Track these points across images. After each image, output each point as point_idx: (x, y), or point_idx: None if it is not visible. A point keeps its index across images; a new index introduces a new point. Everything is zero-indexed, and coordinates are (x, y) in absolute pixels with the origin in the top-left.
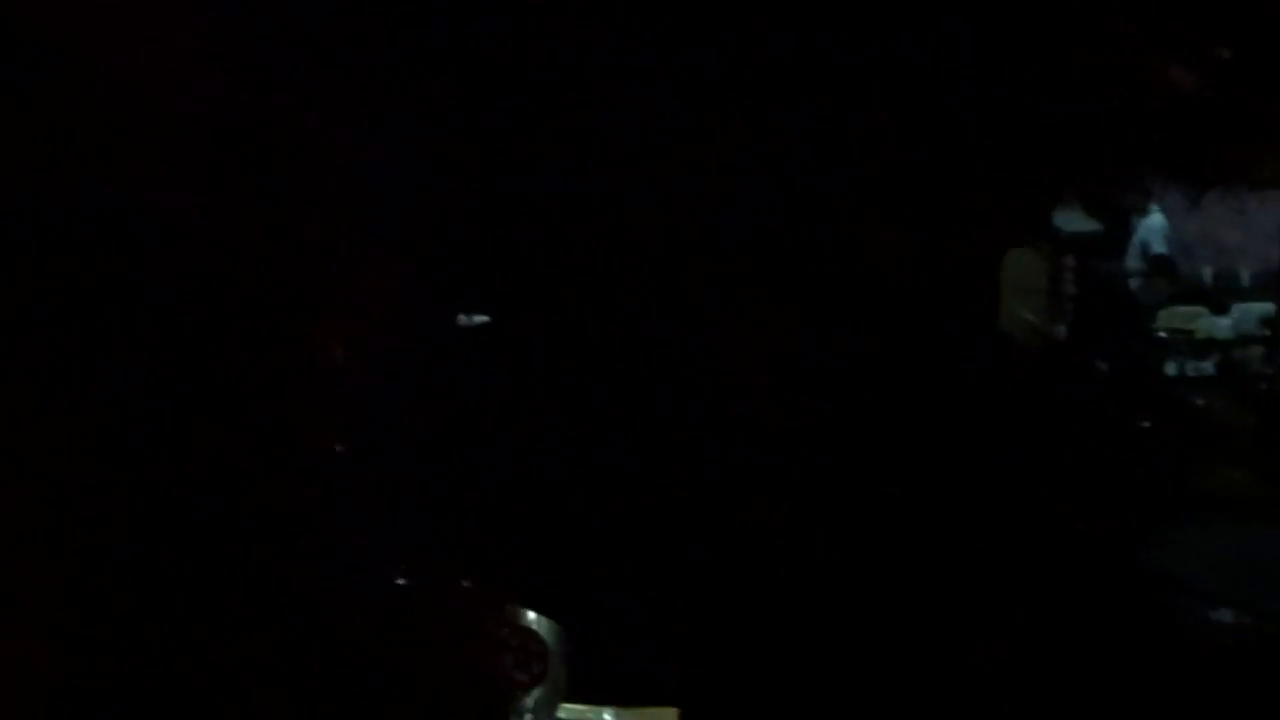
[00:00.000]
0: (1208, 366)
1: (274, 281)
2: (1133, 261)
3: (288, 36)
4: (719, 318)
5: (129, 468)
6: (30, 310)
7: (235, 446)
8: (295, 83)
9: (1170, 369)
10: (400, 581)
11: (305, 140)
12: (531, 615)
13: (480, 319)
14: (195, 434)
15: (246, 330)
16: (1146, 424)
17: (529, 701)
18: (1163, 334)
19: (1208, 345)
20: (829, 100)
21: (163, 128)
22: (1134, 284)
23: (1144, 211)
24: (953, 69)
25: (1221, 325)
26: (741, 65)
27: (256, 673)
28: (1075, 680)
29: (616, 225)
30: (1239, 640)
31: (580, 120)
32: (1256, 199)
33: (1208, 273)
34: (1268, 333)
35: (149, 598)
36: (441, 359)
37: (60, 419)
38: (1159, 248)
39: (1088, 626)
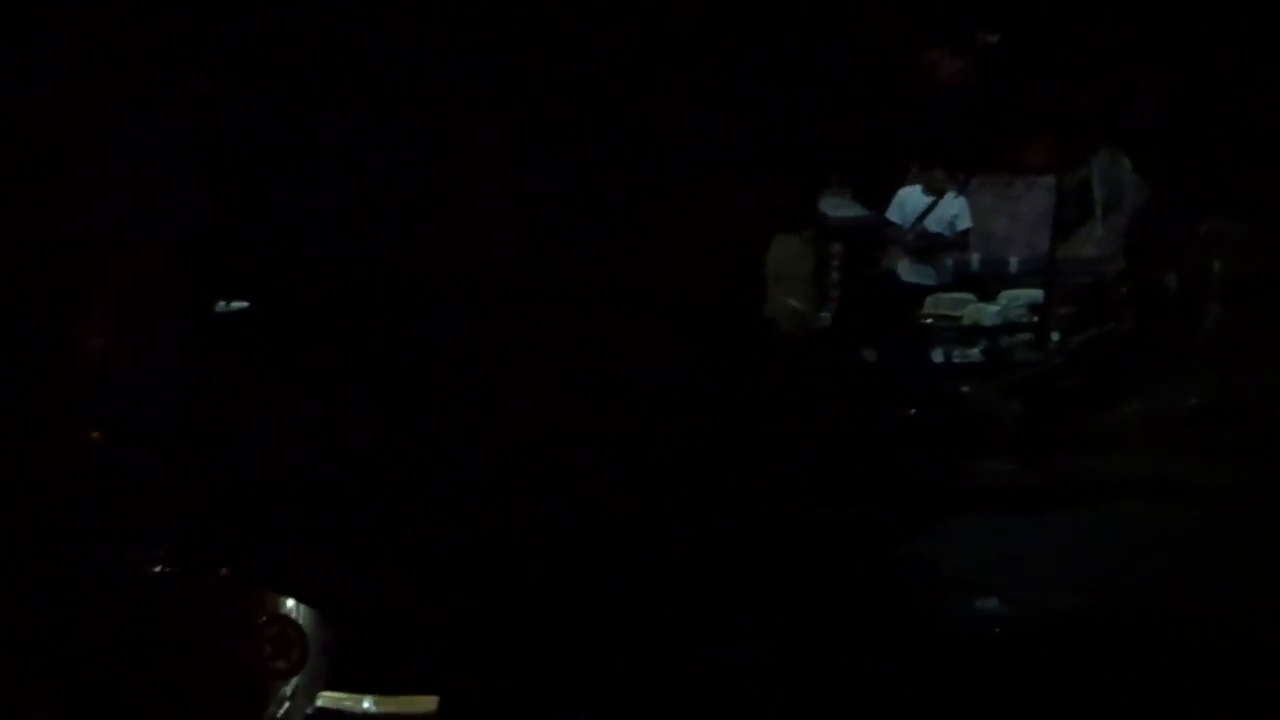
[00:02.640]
0: (974, 354)
1: (31, 271)
2: (941, 230)
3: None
4: (481, 315)
5: None
6: None
7: None
8: (52, 75)
9: (937, 356)
10: (158, 569)
11: (66, 135)
12: (290, 603)
13: (238, 305)
14: None
15: (3, 321)
16: (912, 412)
17: (288, 689)
18: (929, 320)
19: (974, 332)
20: (592, 96)
21: None
22: (923, 262)
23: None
24: (719, 59)
25: (989, 312)
26: (499, 76)
27: (12, 659)
28: (845, 671)
29: (376, 225)
30: (1003, 628)
31: (343, 118)
32: (1023, 186)
33: (975, 260)
34: (1034, 319)
35: None
36: (201, 348)
37: None
38: (965, 223)
39: (854, 619)
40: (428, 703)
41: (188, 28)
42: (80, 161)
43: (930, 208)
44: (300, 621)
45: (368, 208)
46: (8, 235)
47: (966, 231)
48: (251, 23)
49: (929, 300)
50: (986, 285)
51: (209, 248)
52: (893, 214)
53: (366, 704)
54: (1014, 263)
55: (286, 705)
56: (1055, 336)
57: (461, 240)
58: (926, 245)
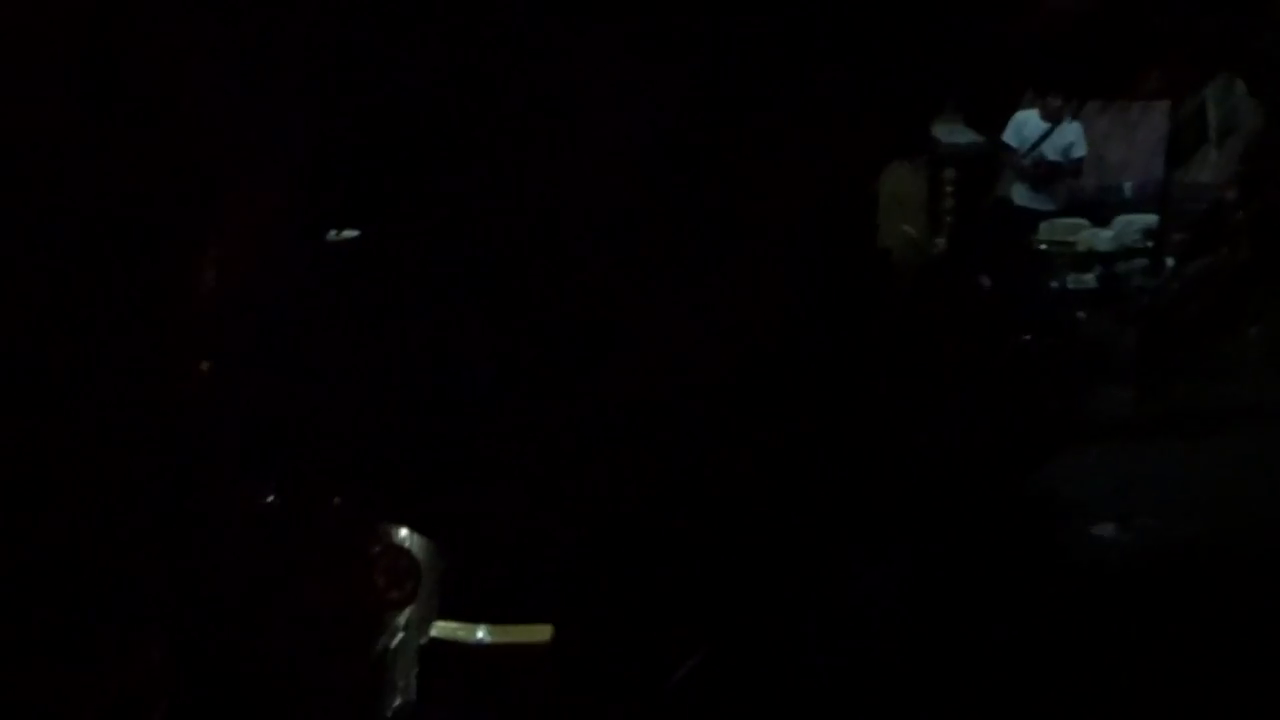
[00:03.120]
0: (1089, 279)
1: (144, 202)
2: (1056, 156)
3: None
4: (597, 239)
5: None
6: None
7: (104, 367)
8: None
9: (1052, 282)
10: (269, 499)
11: (179, 61)
12: (404, 533)
13: (350, 234)
14: (63, 353)
15: (117, 250)
16: (1028, 338)
17: (401, 620)
18: (1045, 246)
19: (1089, 258)
20: (704, 24)
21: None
22: (1037, 188)
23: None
24: None
25: (1103, 238)
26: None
27: (124, 590)
28: (962, 598)
29: (492, 148)
30: (1120, 554)
31: (466, 39)
32: (1138, 112)
33: (1090, 185)
34: (1150, 245)
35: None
36: (312, 276)
37: None
38: (1081, 150)
39: (972, 546)
40: (542, 632)
41: None
42: (197, 86)
43: (1046, 134)
44: (414, 551)
45: (483, 130)
46: (120, 162)
47: (1082, 159)
48: None
49: (1044, 226)
50: (1102, 211)
51: (322, 174)
52: (1009, 139)
53: (480, 634)
54: (1129, 188)
55: (400, 636)
56: (1171, 262)
57: (579, 165)
58: (1042, 171)
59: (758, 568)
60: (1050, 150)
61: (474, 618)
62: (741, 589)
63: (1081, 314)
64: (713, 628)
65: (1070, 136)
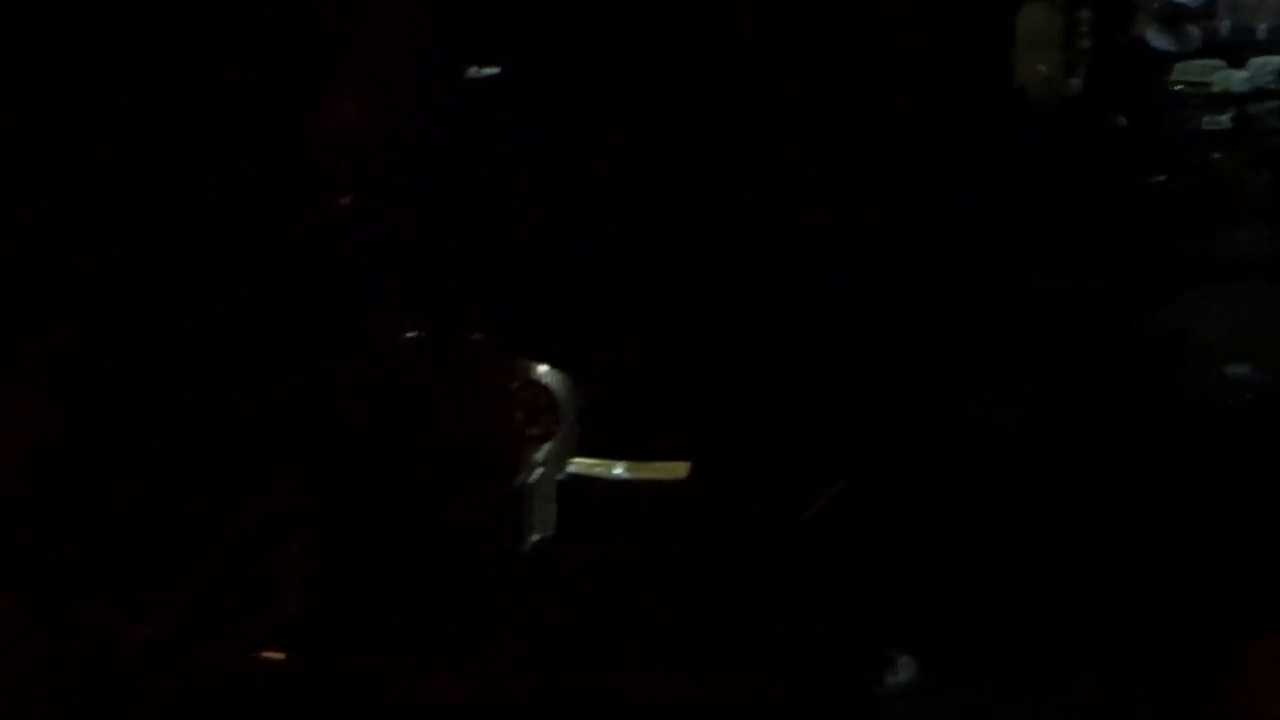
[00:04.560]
0: (1224, 120)
1: (282, 36)
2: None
3: None
4: (735, 82)
5: (136, 223)
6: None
7: (241, 203)
8: None
9: (1187, 123)
10: (410, 335)
11: None
12: (543, 369)
13: (490, 71)
14: (202, 189)
15: (255, 84)
16: (1162, 179)
17: (539, 456)
18: (1179, 87)
19: (1224, 99)
20: None
21: None
22: (1171, 29)
23: None
24: None
25: (1237, 79)
26: None
27: (262, 422)
28: (1092, 438)
29: None
30: (1252, 395)
31: None
32: None
33: (1225, 26)
34: None
35: (154, 350)
36: (451, 112)
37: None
38: None
39: (1102, 385)
40: (679, 469)
41: None
42: None
43: None
44: (552, 387)
45: None
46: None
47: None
48: None
49: (1178, 67)
50: (1236, 52)
51: (461, 12)
52: None
53: (618, 470)
54: (1263, 29)
55: (538, 471)
56: None
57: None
58: (1174, 12)
59: (888, 401)
60: None
61: (612, 454)
62: (872, 423)
63: (1215, 154)
64: (846, 463)
65: None
